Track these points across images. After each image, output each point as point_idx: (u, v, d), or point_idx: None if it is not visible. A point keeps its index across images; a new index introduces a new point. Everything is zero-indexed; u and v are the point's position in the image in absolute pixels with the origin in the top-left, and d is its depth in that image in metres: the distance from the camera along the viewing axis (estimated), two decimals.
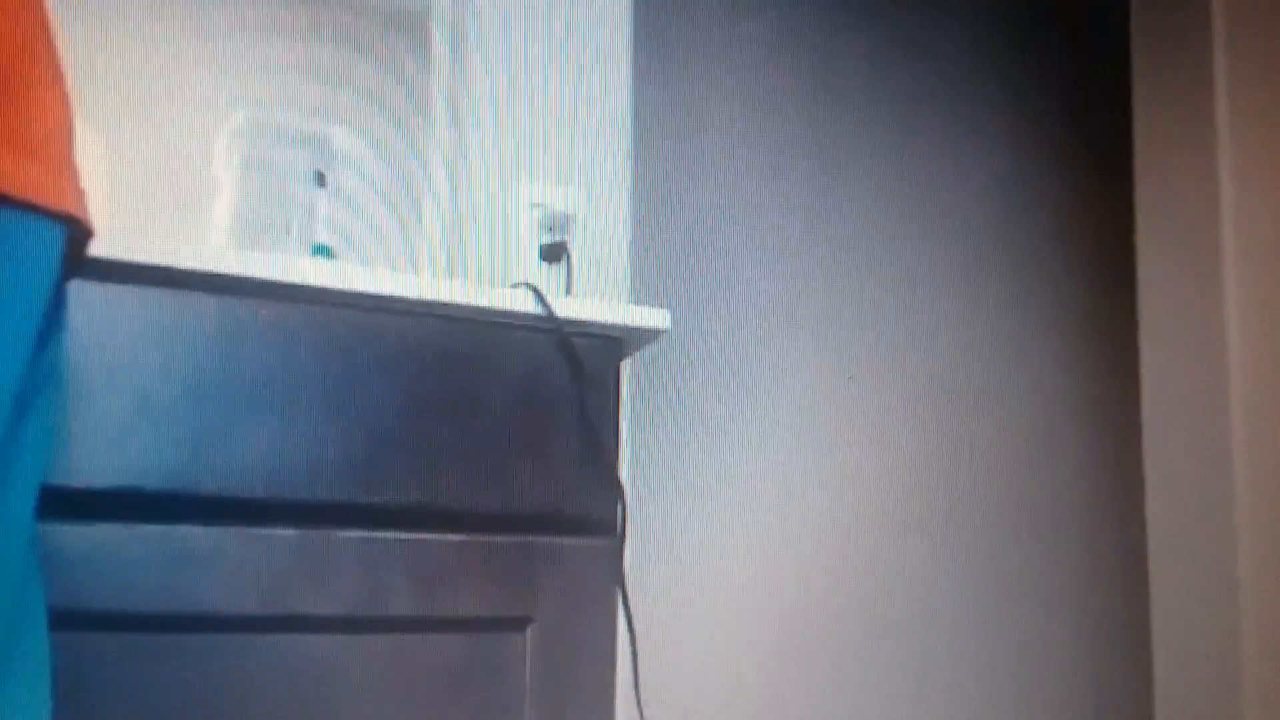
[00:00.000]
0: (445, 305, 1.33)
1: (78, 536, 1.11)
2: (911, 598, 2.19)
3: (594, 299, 1.70)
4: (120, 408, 1.15)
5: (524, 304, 1.38)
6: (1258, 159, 2.06)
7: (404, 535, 1.27)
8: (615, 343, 1.44)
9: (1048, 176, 2.46)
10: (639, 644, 1.44)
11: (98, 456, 1.13)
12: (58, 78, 0.84)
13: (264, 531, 1.20)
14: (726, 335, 2.05)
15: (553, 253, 1.73)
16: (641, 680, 1.49)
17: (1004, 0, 2.44)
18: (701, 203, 2.06)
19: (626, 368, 1.75)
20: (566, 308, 1.40)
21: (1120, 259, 2.30)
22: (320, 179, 1.61)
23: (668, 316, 1.47)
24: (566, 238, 1.74)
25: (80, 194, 0.85)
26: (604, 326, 1.43)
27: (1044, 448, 2.38)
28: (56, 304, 0.84)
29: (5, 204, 0.76)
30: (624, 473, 1.53)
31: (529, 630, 1.32)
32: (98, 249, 1.15)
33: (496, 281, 1.70)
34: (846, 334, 2.19)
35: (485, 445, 1.32)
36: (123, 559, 1.13)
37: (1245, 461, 2.02)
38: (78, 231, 0.85)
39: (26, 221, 0.78)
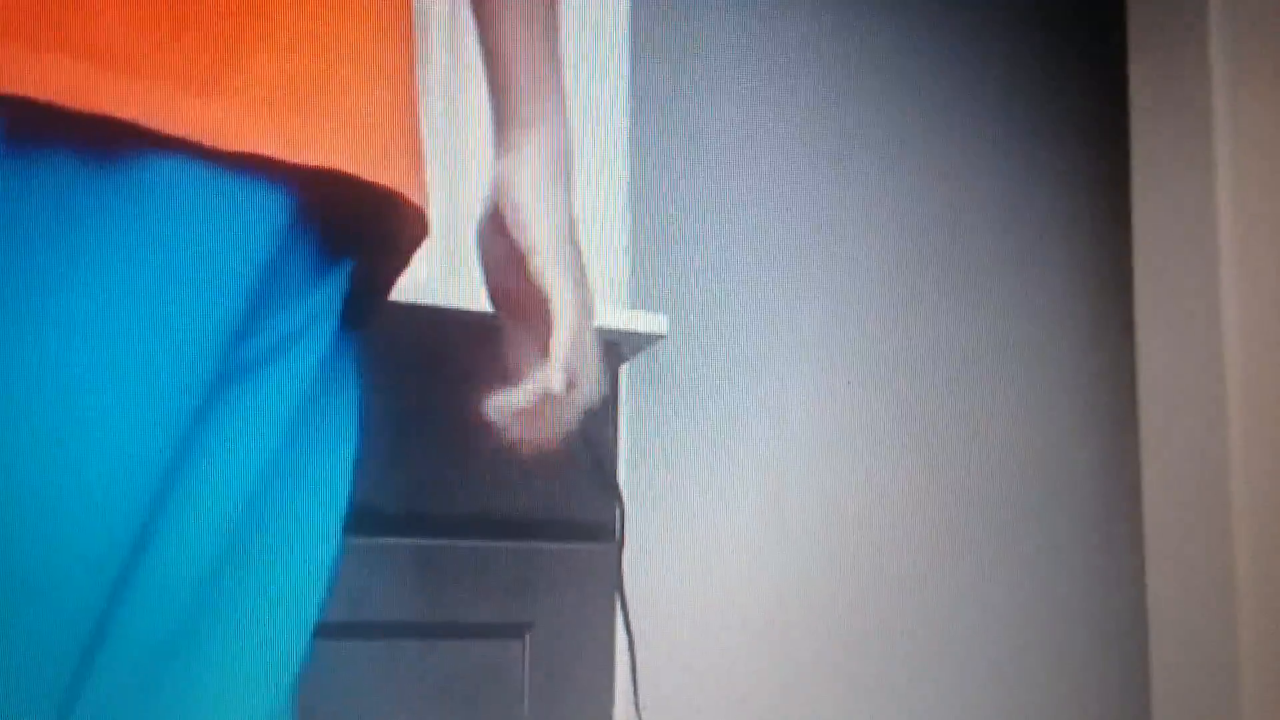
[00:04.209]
0: (440, 307, 1.32)
1: None
2: (909, 599, 2.19)
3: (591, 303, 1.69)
4: None
5: None
6: (1255, 159, 2.06)
7: (401, 540, 1.26)
8: (613, 347, 1.43)
9: (1045, 176, 2.46)
10: (637, 649, 1.43)
11: None
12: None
13: None
14: (725, 340, 2.04)
15: None
16: (640, 686, 1.48)
17: (1002, 4, 2.44)
18: (700, 206, 2.05)
19: (624, 373, 1.74)
20: None
21: (1117, 260, 2.29)
22: None
23: (666, 321, 1.47)
24: None
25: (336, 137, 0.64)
26: (601, 331, 1.41)
27: (1041, 448, 2.38)
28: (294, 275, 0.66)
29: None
30: (622, 478, 1.52)
31: (528, 636, 1.32)
32: None
33: None
34: (845, 339, 2.18)
35: (481, 450, 1.31)
36: None
37: (1242, 462, 2.02)
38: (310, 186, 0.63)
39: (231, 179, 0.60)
